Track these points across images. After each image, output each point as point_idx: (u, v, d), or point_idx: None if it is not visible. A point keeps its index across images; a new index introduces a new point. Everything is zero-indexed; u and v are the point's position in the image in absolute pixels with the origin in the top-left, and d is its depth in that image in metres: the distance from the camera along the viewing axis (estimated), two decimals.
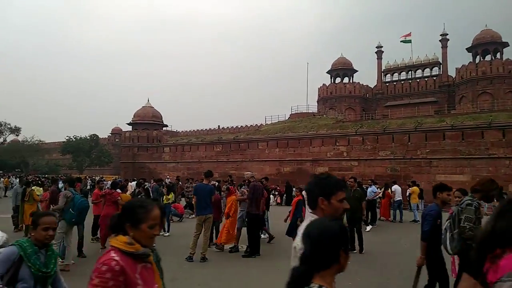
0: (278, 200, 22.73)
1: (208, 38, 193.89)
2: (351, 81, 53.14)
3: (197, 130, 55.06)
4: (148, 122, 49.52)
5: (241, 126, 49.77)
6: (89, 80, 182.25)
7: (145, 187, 10.37)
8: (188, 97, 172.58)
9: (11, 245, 2.65)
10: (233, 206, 8.68)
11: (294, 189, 18.39)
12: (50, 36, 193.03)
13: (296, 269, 1.51)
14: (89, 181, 28.07)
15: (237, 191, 11.18)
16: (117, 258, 1.75)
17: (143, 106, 51.46)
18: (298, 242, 1.87)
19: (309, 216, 2.03)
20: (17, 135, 58.46)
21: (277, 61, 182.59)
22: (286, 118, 41.07)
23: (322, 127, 30.97)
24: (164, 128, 51.38)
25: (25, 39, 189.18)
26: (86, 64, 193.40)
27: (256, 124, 46.27)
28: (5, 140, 57.93)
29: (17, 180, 22.08)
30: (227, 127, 52.49)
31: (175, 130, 55.30)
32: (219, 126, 54.85)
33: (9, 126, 54.97)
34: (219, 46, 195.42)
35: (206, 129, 54.23)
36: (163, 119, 51.68)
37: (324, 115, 40.59)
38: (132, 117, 50.80)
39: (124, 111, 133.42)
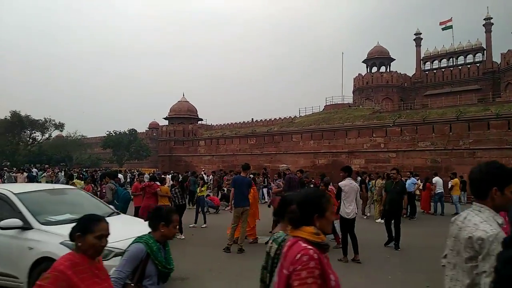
0: None
1: (240, 33, 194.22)
2: (388, 70, 51.56)
3: (231, 123, 55.51)
4: (183, 116, 50.51)
5: (275, 118, 49.65)
6: (126, 76, 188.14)
7: (180, 180, 10.57)
8: (222, 91, 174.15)
9: (135, 242, 2.61)
10: (250, 198, 8.65)
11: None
12: (87, 34, 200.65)
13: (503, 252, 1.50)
14: (129, 174, 29.03)
15: (272, 183, 11.16)
16: (310, 246, 1.75)
17: (178, 101, 52.51)
18: (473, 232, 1.84)
19: (477, 207, 1.99)
20: (61, 131, 61.44)
21: (310, 53, 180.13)
22: (321, 110, 40.56)
23: (358, 118, 30.32)
24: (199, 122, 52.23)
25: (65, 37, 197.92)
26: (122, 61, 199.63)
27: (290, 117, 45.97)
28: (50, 136, 61.08)
29: (62, 173, 23.22)
30: (261, 120, 52.57)
31: (209, 124, 56.10)
32: (252, 119, 55.01)
33: (53, 122, 57.86)
34: (252, 40, 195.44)
35: (240, 122, 54.57)
36: (198, 113, 52.51)
37: (360, 106, 39.71)
38: (168, 111, 52.03)
39: (161, 105, 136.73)
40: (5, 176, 20.80)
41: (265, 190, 18.34)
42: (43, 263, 4.26)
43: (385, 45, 53.18)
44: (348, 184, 7.16)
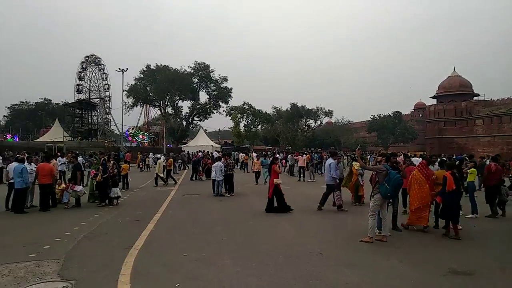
0: None
1: None
2: None
3: None
4: (455, 93, 46.50)
5: None
6: (386, 59, 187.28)
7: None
8: (505, 58, 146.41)
9: None
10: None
11: None
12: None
13: None
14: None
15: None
16: None
17: (448, 76, 48.59)
18: None
19: None
20: (330, 117, 68.44)
21: None
22: None
23: None
24: (474, 98, 46.45)
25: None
26: (380, 45, 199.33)
27: None
28: (321, 123, 69.01)
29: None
30: None
31: (489, 99, 48.77)
32: None
33: (324, 110, 65.01)
34: None
35: None
36: (473, 88, 46.68)
37: None
38: (436, 89, 48.98)
39: (427, 84, 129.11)
40: (288, 158, 25.28)
41: None
42: None
43: None
44: None
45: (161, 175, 17.61)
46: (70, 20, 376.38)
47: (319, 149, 49.19)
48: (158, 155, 20.04)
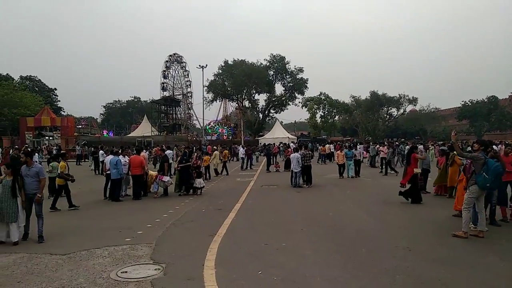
0: None
1: None
2: None
3: None
4: None
5: None
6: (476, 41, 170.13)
7: None
8: None
9: None
10: None
11: None
12: None
13: None
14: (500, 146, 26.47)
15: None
16: None
17: None
18: None
19: None
20: (414, 105, 64.35)
21: None
22: None
23: None
24: None
25: None
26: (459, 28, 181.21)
27: None
28: (404, 111, 65.10)
29: (422, 146, 24.21)
30: None
31: None
32: None
33: (407, 98, 61.25)
34: None
35: None
36: None
37: None
38: None
39: None
40: (369, 149, 24.27)
41: None
42: None
43: None
44: None
45: (215, 166, 18.37)
46: (155, 23, 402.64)
47: (402, 139, 46.40)
48: (214, 147, 21.56)
